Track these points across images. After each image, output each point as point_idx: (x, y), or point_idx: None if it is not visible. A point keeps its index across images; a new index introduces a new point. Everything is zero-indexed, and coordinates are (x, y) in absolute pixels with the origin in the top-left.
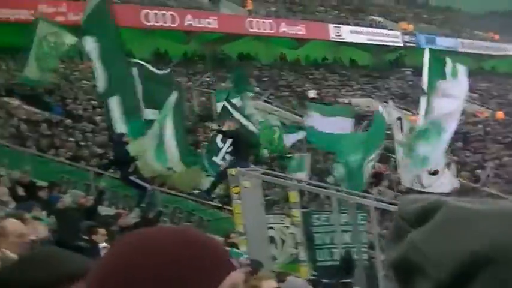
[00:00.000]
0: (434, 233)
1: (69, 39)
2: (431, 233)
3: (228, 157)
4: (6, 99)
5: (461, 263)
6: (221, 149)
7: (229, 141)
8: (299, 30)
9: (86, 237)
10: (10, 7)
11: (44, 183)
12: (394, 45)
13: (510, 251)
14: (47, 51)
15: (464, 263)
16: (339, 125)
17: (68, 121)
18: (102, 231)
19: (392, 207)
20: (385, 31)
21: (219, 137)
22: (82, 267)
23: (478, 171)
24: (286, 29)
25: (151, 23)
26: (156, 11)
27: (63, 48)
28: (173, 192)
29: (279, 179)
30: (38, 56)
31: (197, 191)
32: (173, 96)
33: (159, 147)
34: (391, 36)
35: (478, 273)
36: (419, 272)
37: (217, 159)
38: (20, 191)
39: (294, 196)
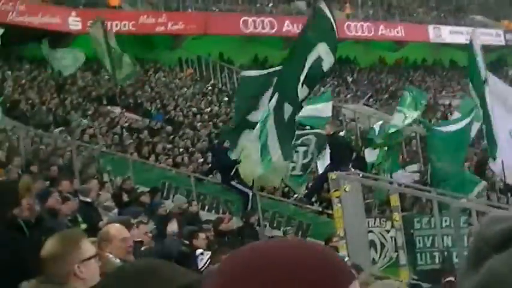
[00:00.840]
0: None
1: None
2: None
3: (323, 160)
4: (109, 107)
5: None
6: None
7: (329, 144)
8: (398, 32)
9: (187, 242)
10: (113, 19)
11: (145, 189)
12: (495, 45)
13: None
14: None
15: None
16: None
17: (169, 128)
18: (202, 235)
19: (495, 210)
20: (486, 30)
21: (314, 139)
22: (188, 281)
23: None
24: (384, 31)
25: (250, 30)
26: (254, 18)
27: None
28: (273, 196)
29: (380, 182)
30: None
31: (296, 195)
32: (274, 99)
33: (262, 151)
34: (492, 35)
35: None
36: None
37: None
38: (124, 197)
39: (394, 199)
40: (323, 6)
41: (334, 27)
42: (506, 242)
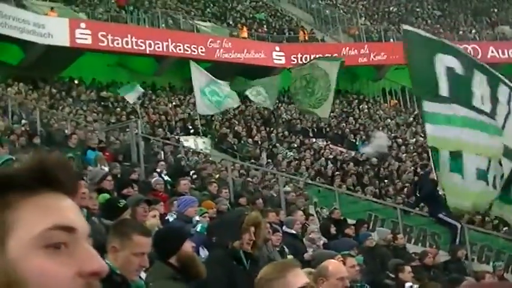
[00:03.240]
0: None
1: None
2: None
3: None
4: (313, 139)
5: None
6: None
7: None
8: None
9: (393, 276)
10: (317, 52)
11: (352, 221)
12: None
13: None
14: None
15: None
16: None
17: (374, 159)
18: (408, 269)
19: None
20: None
21: None
22: None
23: None
24: None
25: None
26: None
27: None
28: (482, 229)
29: None
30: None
31: (506, 228)
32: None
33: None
34: None
35: None
36: None
37: None
38: (332, 229)
39: None
40: None
41: None
42: None
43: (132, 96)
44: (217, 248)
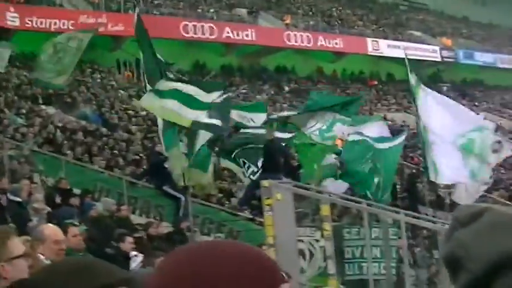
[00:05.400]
0: (477, 233)
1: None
2: (474, 232)
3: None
4: (43, 107)
5: (495, 260)
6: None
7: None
8: (336, 44)
9: (115, 245)
10: (52, 17)
11: (78, 191)
12: (432, 60)
13: None
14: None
15: (497, 260)
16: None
17: (104, 129)
18: (129, 239)
19: (423, 223)
20: (423, 46)
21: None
22: (118, 277)
23: None
24: (323, 42)
25: (191, 35)
26: (195, 23)
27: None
28: (205, 202)
29: (311, 192)
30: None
31: (227, 203)
32: None
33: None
34: (429, 51)
35: (509, 271)
36: (461, 265)
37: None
38: (57, 198)
39: (325, 209)
40: None
41: None
42: (471, 220)
43: None
44: None
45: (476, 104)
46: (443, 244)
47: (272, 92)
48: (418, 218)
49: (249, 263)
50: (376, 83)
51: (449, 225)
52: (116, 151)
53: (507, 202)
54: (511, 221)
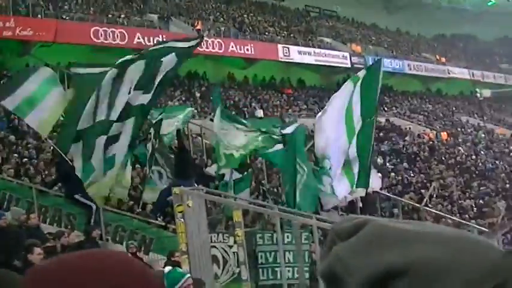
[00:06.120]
0: (355, 246)
1: None
2: (353, 246)
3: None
4: None
5: (376, 274)
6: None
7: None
8: (248, 50)
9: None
10: None
11: None
12: (342, 66)
13: (421, 266)
14: None
15: (378, 274)
16: None
17: (12, 137)
18: (38, 250)
19: None
20: (333, 52)
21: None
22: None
23: (423, 191)
24: (235, 48)
25: (101, 41)
26: (105, 28)
27: None
28: (117, 210)
29: (223, 198)
30: None
31: (139, 210)
32: None
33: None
34: (339, 58)
35: (389, 285)
36: (340, 281)
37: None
38: None
39: (237, 215)
40: None
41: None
42: (350, 234)
43: None
44: None
45: (386, 109)
46: (321, 259)
47: (183, 98)
48: (330, 222)
49: (111, 272)
50: (290, 91)
51: (328, 239)
52: (25, 159)
53: (416, 204)
54: (390, 234)
